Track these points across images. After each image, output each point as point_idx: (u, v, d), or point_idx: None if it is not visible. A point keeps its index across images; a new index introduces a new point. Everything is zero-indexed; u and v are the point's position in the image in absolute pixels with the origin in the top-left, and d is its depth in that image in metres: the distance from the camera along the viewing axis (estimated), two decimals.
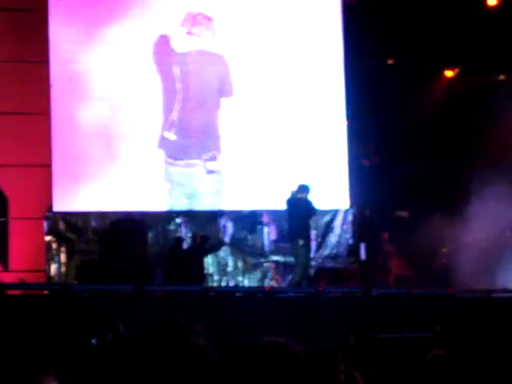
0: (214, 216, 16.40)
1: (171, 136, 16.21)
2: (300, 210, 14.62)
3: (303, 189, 14.83)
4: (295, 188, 14.95)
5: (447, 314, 12.68)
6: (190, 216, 16.25)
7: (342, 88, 16.84)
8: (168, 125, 16.26)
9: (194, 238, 15.82)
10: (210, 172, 16.29)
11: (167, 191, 16.22)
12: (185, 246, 15.87)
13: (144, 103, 16.20)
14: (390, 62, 17.48)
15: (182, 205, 16.27)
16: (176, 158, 16.21)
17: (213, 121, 16.40)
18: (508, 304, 13.18)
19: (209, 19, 16.41)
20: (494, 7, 17.32)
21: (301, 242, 14.57)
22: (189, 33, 16.37)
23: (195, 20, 16.37)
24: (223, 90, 16.36)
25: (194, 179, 16.27)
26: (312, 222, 15.22)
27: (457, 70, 17.86)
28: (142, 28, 16.33)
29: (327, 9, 16.91)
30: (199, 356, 2.00)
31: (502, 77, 17.93)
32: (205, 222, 16.28)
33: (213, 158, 16.28)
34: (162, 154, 16.20)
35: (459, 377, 3.17)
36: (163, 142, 16.18)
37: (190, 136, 16.27)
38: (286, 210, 14.96)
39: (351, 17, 16.79)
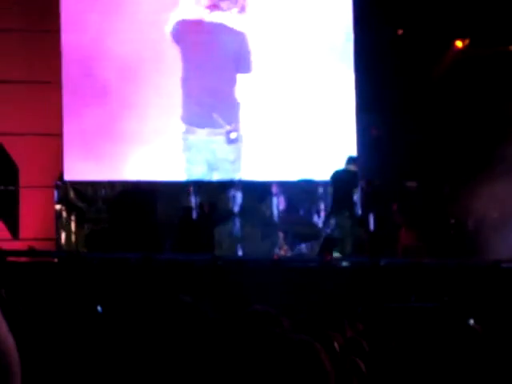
0: (223, 186, 16.46)
1: (191, 106, 16.26)
2: (346, 181, 14.74)
3: (351, 160, 14.95)
4: (344, 159, 15.05)
5: (455, 284, 12.73)
6: (199, 186, 16.31)
7: (350, 57, 16.81)
8: (187, 95, 16.28)
9: (201, 207, 15.89)
10: (231, 142, 16.37)
11: (185, 160, 16.29)
12: (194, 215, 15.94)
13: (161, 72, 16.16)
14: (400, 32, 17.40)
15: (199, 173, 16.35)
16: (198, 126, 16.27)
17: (232, 93, 16.44)
18: None
19: None
20: None
21: (346, 213, 14.69)
22: (215, 6, 16.34)
23: None
24: (242, 65, 16.40)
25: (214, 148, 16.34)
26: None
27: (467, 41, 17.76)
28: None
29: None
30: (192, 312, 2.03)
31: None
32: (214, 192, 16.34)
33: (235, 129, 16.36)
34: (181, 123, 16.25)
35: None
36: (184, 111, 16.22)
37: (211, 106, 16.30)
38: (332, 180, 15.05)
39: None
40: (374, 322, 10.43)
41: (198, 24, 16.37)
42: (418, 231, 16.83)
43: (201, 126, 16.33)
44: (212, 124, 16.32)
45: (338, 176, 14.89)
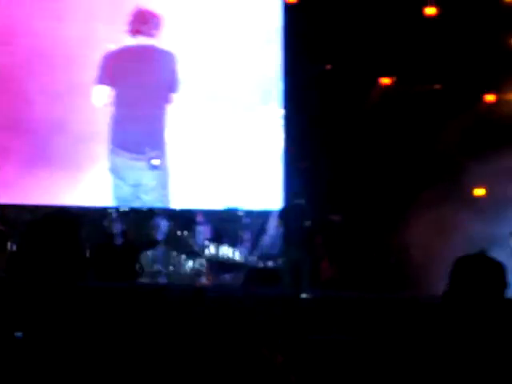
0: (148, 213, 16.47)
1: (117, 128, 16.30)
2: (295, 216, 14.83)
3: (299, 195, 15.06)
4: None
5: (376, 318, 12.90)
6: (124, 212, 16.28)
7: (279, 89, 17.04)
8: (115, 118, 16.30)
9: (125, 234, 15.85)
10: (154, 168, 16.39)
11: (111, 183, 16.28)
12: (117, 242, 15.88)
13: (86, 94, 16.17)
14: (328, 67, 17.73)
15: (124, 197, 16.32)
16: (122, 149, 16.28)
17: (159, 117, 16.49)
18: (433, 307, 13.45)
19: (156, 17, 16.49)
20: (432, 16, 17.65)
21: (294, 247, 14.72)
22: (137, 31, 16.41)
23: (143, 17, 16.43)
24: (169, 87, 16.49)
25: (138, 173, 16.35)
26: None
27: (393, 79, 18.17)
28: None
29: (267, 9, 17.11)
30: None
31: (437, 86, 18.31)
32: (139, 219, 16.34)
33: (158, 155, 16.39)
34: (105, 145, 16.25)
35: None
36: (111, 133, 16.25)
37: (137, 130, 16.32)
38: (281, 215, 15.14)
39: (291, 18, 16.99)
40: (295, 353, 10.50)
41: (122, 51, 16.42)
42: (342, 264, 17.07)
43: (125, 149, 16.35)
44: (135, 149, 16.35)
45: (287, 210, 15.06)
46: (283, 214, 15.26)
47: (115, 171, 16.30)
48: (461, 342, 3.17)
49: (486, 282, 3.27)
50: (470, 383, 3.08)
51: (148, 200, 16.49)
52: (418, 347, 3.36)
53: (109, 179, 16.27)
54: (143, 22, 16.37)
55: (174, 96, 16.52)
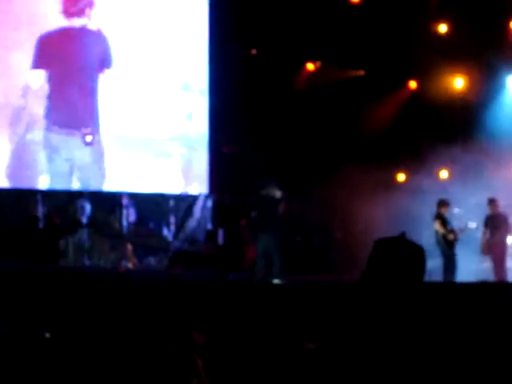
0: (72, 196, 16.30)
1: (53, 106, 16.12)
2: (270, 203, 14.75)
3: (274, 183, 15.00)
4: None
5: (300, 300, 13.03)
6: (47, 195, 16.08)
7: (205, 74, 17.02)
8: (51, 95, 16.13)
9: (49, 217, 15.67)
10: (87, 144, 16.26)
11: (45, 159, 16.10)
12: (41, 225, 15.69)
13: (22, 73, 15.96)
14: (253, 51, 17.74)
15: (59, 173, 16.15)
16: (57, 126, 16.12)
17: (92, 95, 16.40)
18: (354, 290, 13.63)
19: None
20: (356, 3, 17.82)
21: (271, 233, 14.58)
22: (71, 13, 16.32)
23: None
24: (103, 64, 16.42)
25: (72, 149, 16.20)
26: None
27: (318, 63, 18.29)
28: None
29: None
30: None
31: (361, 72, 18.49)
32: (63, 202, 16.15)
33: (91, 132, 16.27)
34: (42, 122, 16.05)
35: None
36: (47, 110, 16.05)
37: (70, 107, 16.18)
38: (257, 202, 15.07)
39: (218, 3, 16.97)
40: (218, 335, 10.55)
41: (56, 33, 16.27)
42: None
43: (60, 125, 16.19)
44: (69, 125, 16.20)
45: (261, 198, 15.04)
46: (258, 202, 15.21)
47: (51, 147, 16.10)
48: (377, 325, 3.17)
49: (404, 264, 3.24)
50: (388, 365, 3.11)
51: (82, 177, 16.32)
52: (335, 330, 3.37)
53: (44, 155, 16.06)
54: (75, 1, 16.30)
55: (106, 73, 16.45)
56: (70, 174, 16.27)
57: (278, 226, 14.57)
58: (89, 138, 16.26)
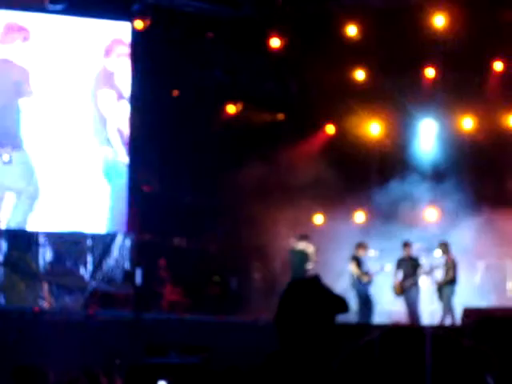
0: None
1: None
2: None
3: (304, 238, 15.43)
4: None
5: (215, 341, 13.04)
6: None
7: (126, 114, 17.04)
8: None
9: None
10: (5, 163, 16.13)
11: None
12: None
13: None
14: (175, 93, 17.81)
15: None
16: None
17: (12, 123, 16.34)
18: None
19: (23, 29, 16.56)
20: (276, 49, 18.09)
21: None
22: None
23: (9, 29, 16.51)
24: (23, 91, 16.38)
25: None
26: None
27: (239, 106, 18.47)
28: None
29: (118, 34, 17.14)
30: None
31: (280, 115, 18.73)
32: None
33: (7, 152, 16.14)
34: None
35: None
36: None
37: None
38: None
39: (140, 45, 17.04)
40: (132, 376, 10.48)
41: None
42: (184, 287, 17.13)
43: None
44: None
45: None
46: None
47: None
48: (290, 367, 3.16)
49: (314, 306, 3.24)
50: None
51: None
52: (254, 372, 3.38)
53: None
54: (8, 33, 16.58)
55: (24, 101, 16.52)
56: None
57: None
58: (6, 157, 16.10)
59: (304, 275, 15.07)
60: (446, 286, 15.31)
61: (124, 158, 16.95)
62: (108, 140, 16.86)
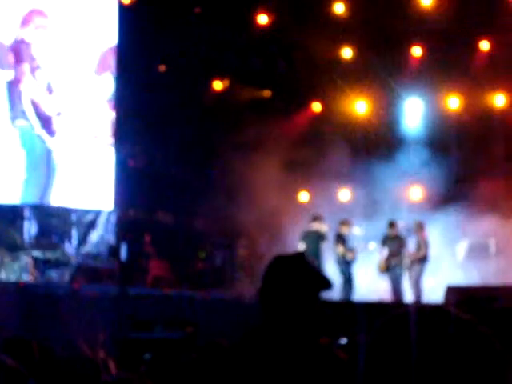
0: None
1: None
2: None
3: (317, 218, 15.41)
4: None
5: (199, 316, 13.11)
6: None
7: (111, 89, 16.98)
8: None
9: None
10: None
11: None
12: None
13: None
14: (162, 68, 17.77)
15: None
16: None
17: None
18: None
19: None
20: (264, 26, 18.06)
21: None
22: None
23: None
24: None
25: None
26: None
27: (226, 82, 18.45)
28: None
29: (104, 9, 17.04)
30: None
31: (267, 92, 18.72)
32: None
33: None
34: None
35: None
36: None
37: None
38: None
39: (127, 19, 16.96)
40: (119, 350, 10.54)
41: None
42: (169, 263, 17.18)
43: None
44: None
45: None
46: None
47: None
48: (273, 342, 3.15)
49: (297, 282, 3.23)
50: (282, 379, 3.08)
51: None
52: (236, 347, 3.38)
53: None
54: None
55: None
56: None
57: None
58: None
59: (321, 256, 15.16)
60: (417, 264, 15.45)
61: (39, 131, 16.62)
62: (23, 112, 16.51)
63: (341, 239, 15.66)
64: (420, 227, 15.72)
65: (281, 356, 3.12)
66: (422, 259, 15.48)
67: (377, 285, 16.13)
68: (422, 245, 15.53)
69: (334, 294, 15.14)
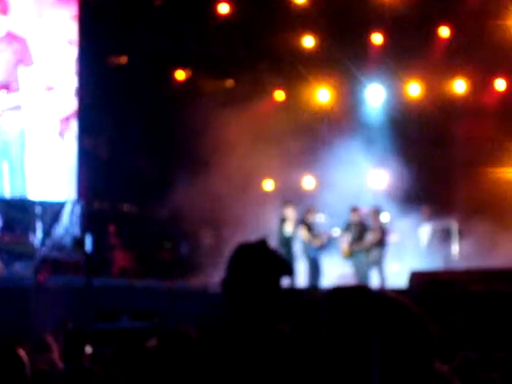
0: None
1: None
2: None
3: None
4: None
5: (165, 306, 13.14)
6: None
7: (74, 81, 16.91)
8: None
9: None
10: None
11: None
12: None
13: None
14: (123, 59, 17.72)
15: None
16: None
17: None
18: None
19: None
20: (225, 15, 18.06)
21: None
22: None
23: None
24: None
25: None
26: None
27: (188, 72, 18.43)
28: None
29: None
30: None
31: (229, 82, 18.72)
32: None
33: None
34: None
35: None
36: None
37: None
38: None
39: (88, 11, 16.88)
40: (84, 342, 10.52)
41: None
42: (134, 253, 17.17)
43: None
44: None
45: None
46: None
47: None
48: (237, 330, 3.16)
49: (260, 269, 3.25)
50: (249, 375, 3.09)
51: None
52: (201, 335, 3.39)
53: None
54: None
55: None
56: None
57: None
58: None
59: (283, 241, 15.24)
60: (375, 249, 15.64)
61: (74, 126, 16.79)
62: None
63: (306, 226, 15.75)
64: (375, 213, 15.90)
65: (246, 344, 3.15)
66: (379, 244, 15.65)
67: (344, 270, 16.24)
68: (377, 230, 15.72)
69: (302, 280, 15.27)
